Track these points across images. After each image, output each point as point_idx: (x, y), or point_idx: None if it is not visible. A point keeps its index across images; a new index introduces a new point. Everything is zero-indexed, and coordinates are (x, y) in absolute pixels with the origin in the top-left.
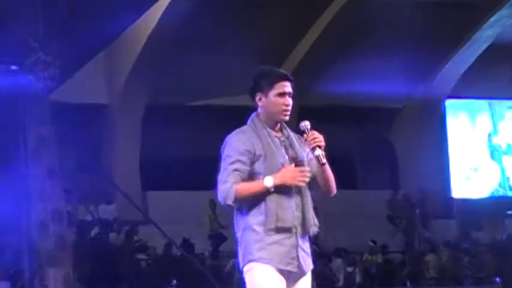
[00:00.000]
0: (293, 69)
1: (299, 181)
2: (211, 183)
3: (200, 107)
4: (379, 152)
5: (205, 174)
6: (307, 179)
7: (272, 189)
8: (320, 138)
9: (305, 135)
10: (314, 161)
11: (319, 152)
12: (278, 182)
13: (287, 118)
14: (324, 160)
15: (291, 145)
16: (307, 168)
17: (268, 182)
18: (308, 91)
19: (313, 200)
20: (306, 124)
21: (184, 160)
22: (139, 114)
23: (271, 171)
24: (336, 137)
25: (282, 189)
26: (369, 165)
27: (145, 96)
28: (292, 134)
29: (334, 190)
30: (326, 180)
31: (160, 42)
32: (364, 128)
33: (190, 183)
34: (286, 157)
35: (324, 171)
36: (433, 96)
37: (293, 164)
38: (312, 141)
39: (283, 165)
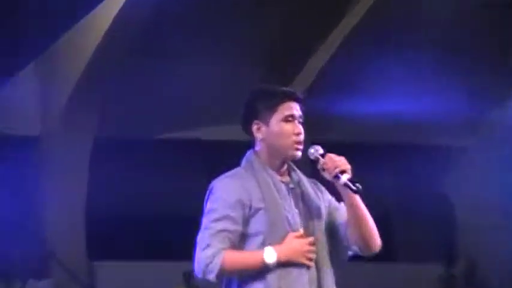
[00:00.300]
0: (305, 88)
1: (307, 262)
2: (185, 251)
3: (170, 141)
4: (428, 207)
5: (177, 238)
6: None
7: (274, 265)
8: (342, 161)
9: (319, 163)
10: (340, 210)
11: (346, 177)
12: (283, 257)
13: (299, 154)
14: (358, 185)
15: (304, 194)
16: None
17: (270, 256)
18: (324, 119)
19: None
20: (316, 149)
21: (148, 217)
22: (84, 151)
23: (274, 233)
24: (366, 186)
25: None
26: (414, 227)
27: (94, 126)
28: (304, 179)
29: (379, 241)
30: (363, 222)
31: (115, 51)
32: (406, 173)
33: (157, 251)
34: (297, 211)
35: (357, 208)
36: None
37: (301, 229)
38: (333, 167)
39: (290, 225)
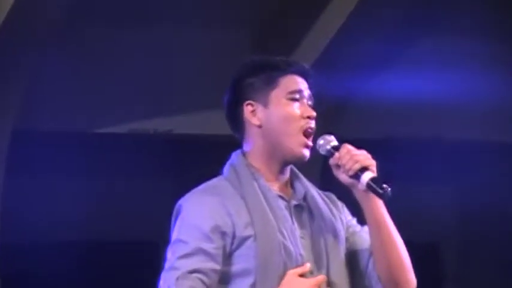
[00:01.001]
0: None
1: None
2: None
3: (121, 136)
4: (496, 232)
5: (126, 274)
6: None
7: None
8: (364, 155)
9: (333, 159)
10: (363, 234)
11: (368, 175)
12: None
13: (307, 153)
14: (386, 186)
15: (313, 212)
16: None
17: None
18: (338, 104)
19: None
20: (327, 140)
21: (88, 243)
22: (0, 147)
23: (269, 271)
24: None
25: None
26: (472, 259)
27: (12, 114)
28: (314, 191)
29: (413, 278)
30: (391, 246)
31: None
32: (464, 181)
33: None
34: (301, 238)
35: (382, 224)
36: None
37: (308, 264)
38: (351, 162)
39: (291, 259)
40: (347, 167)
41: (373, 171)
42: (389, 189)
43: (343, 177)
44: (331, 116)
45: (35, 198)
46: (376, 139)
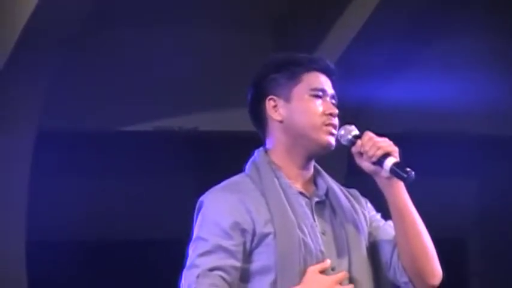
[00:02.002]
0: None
1: None
2: None
3: (143, 133)
4: None
5: (152, 270)
6: None
7: None
8: (385, 140)
9: (355, 147)
10: (387, 228)
11: (392, 161)
12: None
13: (332, 142)
14: (409, 169)
15: (335, 209)
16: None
17: None
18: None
19: None
20: (349, 130)
21: (113, 239)
22: (26, 148)
23: (289, 269)
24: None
25: None
26: (497, 255)
27: (36, 115)
28: (336, 187)
29: (438, 269)
30: (415, 236)
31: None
32: (490, 175)
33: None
34: (322, 235)
35: (406, 212)
36: None
37: (327, 261)
38: (373, 149)
39: (312, 256)
40: (370, 153)
41: (395, 157)
42: (412, 172)
43: (366, 164)
44: (350, 117)
45: (61, 198)
46: (398, 133)
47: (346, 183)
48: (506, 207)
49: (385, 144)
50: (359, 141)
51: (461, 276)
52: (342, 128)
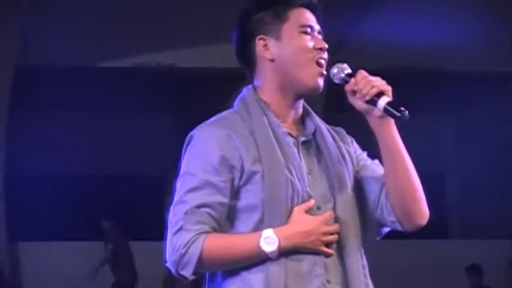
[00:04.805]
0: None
1: (324, 248)
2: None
3: (123, 69)
4: (498, 165)
5: (131, 207)
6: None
7: (276, 255)
8: (379, 81)
9: (348, 85)
10: (373, 166)
11: (385, 100)
12: (289, 244)
13: (321, 83)
14: (403, 108)
15: (321, 149)
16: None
17: (269, 242)
18: (349, 39)
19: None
20: (341, 68)
21: (93, 178)
22: (4, 83)
23: (275, 208)
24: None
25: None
26: (476, 192)
27: (14, 52)
28: (324, 127)
29: (426, 209)
30: (405, 176)
31: None
32: (468, 116)
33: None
34: (309, 175)
35: (397, 152)
36: None
37: (314, 203)
38: (368, 87)
39: (298, 195)
40: (364, 91)
41: (389, 96)
42: (406, 111)
43: (359, 103)
44: (329, 53)
45: (37, 132)
46: (377, 69)
47: (325, 119)
48: (482, 142)
49: (379, 83)
50: (353, 80)
51: (439, 208)
52: (335, 66)
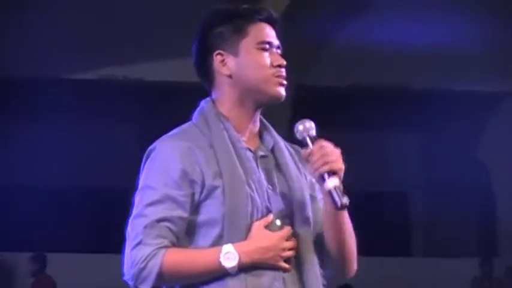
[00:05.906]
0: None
1: (283, 264)
2: (118, 244)
3: (90, 82)
4: (462, 183)
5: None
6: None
7: (236, 271)
8: (335, 155)
9: (306, 148)
10: (320, 206)
11: (333, 182)
12: (248, 259)
13: (282, 93)
14: (345, 200)
15: (280, 165)
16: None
17: (229, 258)
18: (315, 56)
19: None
20: (307, 127)
21: (55, 190)
22: None
23: (235, 223)
24: (370, 144)
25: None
26: (440, 210)
27: None
28: (282, 143)
29: (355, 265)
30: (346, 242)
31: None
32: (433, 132)
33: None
34: (267, 193)
35: (340, 225)
36: None
37: (275, 219)
38: (320, 162)
39: (258, 211)
40: (315, 165)
41: (339, 178)
42: (347, 202)
43: (311, 171)
44: (309, 56)
45: (7, 143)
46: (343, 87)
47: (290, 132)
48: (446, 161)
49: (333, 158)
50: (310, 147)
51: (403, 227)
52: (301, 122)
